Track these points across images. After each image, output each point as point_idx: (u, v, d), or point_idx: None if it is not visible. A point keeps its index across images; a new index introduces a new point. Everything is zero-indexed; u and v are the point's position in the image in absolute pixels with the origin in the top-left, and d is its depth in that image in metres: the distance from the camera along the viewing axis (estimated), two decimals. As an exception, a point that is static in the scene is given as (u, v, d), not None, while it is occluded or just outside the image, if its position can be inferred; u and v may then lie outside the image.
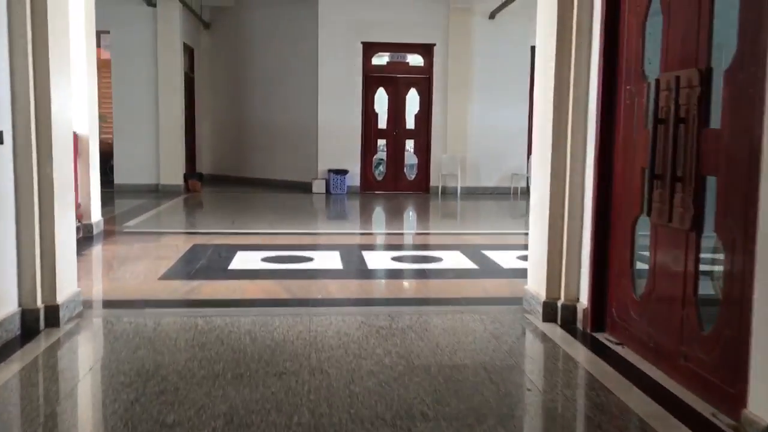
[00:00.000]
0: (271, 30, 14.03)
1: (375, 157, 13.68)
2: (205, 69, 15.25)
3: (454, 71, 13.03)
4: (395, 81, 13.26)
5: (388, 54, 13.23)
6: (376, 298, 5.00)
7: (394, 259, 6.42)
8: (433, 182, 13.26)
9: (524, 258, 5.01)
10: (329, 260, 6.16)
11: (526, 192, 12.93)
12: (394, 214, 10.75)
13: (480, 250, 6.73)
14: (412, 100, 13.52)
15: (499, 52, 13.11)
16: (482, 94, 13.17)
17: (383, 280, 5.61)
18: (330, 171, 12.91)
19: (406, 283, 5.56)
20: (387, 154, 13.53)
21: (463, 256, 6.39)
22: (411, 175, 13.82)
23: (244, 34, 14.61)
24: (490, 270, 5.84)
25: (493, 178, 13.38)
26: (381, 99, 13.28)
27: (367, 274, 5.71)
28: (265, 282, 5.22)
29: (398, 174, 13.48)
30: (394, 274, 5.80)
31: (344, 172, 12.89)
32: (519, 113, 13.17)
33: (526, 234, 4.76)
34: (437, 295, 5.02)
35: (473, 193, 13.23)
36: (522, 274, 4.70)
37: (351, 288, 5.21)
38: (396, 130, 13.34)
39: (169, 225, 9.07)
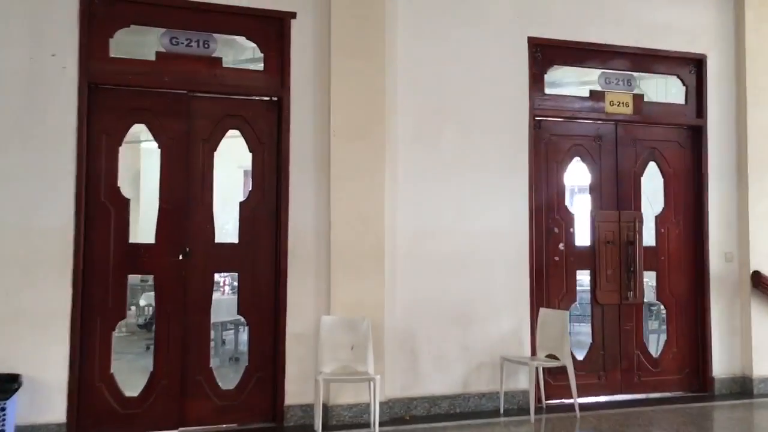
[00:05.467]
0: None
1: (121, 324, 4.92)
2: None
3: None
4: (181, 110, 4.75)
5: (164, 32, 4.74)
6: None
7: None
8: (291, 399, 4.67)
9: None
10: None
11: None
12: None
13: None
14: (233, 164, 5.05)
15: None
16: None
17: None
18: (-46, 384, 3.96)
19: None
20: (159, 315, 4.78)
21: None
22: (230, 378, 5.24)
23: None
24: None
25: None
26: (142, 158, 4.68)
27: None
28: None
29: (188, 378, 4.70)
30: None
31: (8, 381, 4.00)
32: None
33: None
34: None
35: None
36: None
37: None
38: (186, 249, 4.71)
39: None
